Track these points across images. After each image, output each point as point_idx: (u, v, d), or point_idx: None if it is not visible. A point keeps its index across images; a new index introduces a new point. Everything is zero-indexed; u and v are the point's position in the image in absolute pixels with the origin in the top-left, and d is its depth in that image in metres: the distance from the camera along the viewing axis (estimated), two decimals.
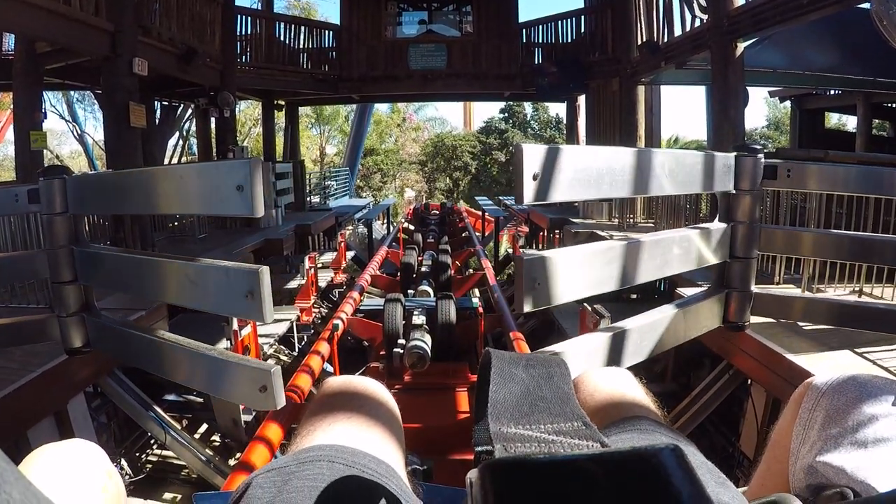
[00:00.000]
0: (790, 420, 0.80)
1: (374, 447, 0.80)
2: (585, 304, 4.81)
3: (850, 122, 17.94)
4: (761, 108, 39.75)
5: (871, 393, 0.73)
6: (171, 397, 5.37)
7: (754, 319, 4.21)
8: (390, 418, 0.90)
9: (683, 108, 62.77)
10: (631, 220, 9.93)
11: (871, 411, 0.70)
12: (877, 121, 15.15)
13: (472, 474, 0.45)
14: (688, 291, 5.24)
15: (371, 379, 0.98)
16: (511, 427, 0.55)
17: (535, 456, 0.45)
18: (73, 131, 25.90)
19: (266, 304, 2.68)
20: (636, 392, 0.97)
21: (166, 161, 19.14)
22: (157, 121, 13.85)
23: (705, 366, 5.46)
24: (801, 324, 4.45)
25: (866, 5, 5.55)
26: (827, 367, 3.53)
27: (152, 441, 5.40)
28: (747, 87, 7.92)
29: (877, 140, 14.57)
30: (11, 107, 10.91)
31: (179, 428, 5.10)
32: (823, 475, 0.70)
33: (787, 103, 16.39)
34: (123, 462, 4.98)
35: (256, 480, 0.70)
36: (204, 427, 5.93)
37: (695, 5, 8.32)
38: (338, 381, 0.98)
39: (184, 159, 23.62)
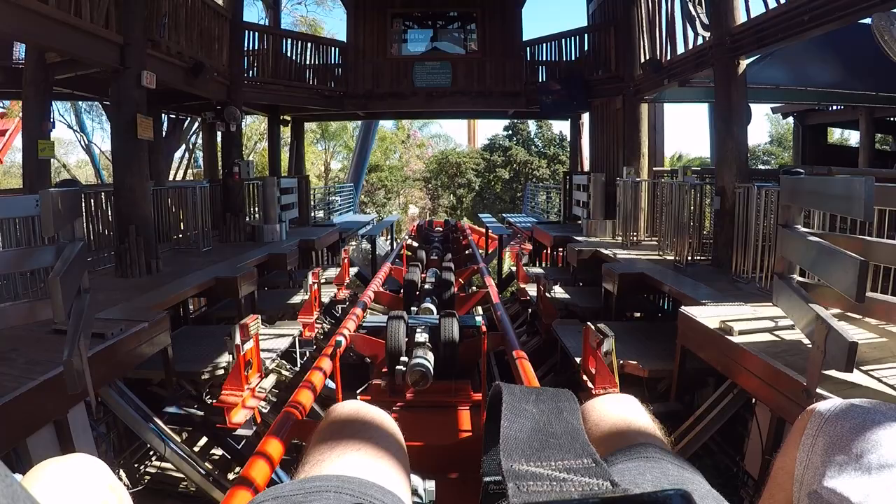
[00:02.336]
0: (794, 447, 0.79)
1: (382, 478, 0.80)
2: (589, 323, 4.80)
3: (853, 137, 18.05)
4: (763, 124, 40.09)
5: (875, 419, 0.73)
6: (171, 410, 5.35)
7: (758, 338, 4.26)
8: (398, 449, 0.90)
9: (686, 124, 62.98)
10: (634, 238, 9.92)
11: (874, 437, 0.70)
12: (879, 135, 15.24)
13: None
14: (692, 309, 5.24)
15: (378, 408, 0.98)
16: (522, 464, 0.55)
17: (550, 501, 0.45)
18: (81, 141, 26.17)
19: (56, 308, 3.47)
20: (642, 418, 0.97)
21: (172, 173, 19.26)
22: (163, 133, 13.96)
23: (709, 385, 5.44)
24: (804, 341, 4.44)
25: (867, 21, 5.59)
26: (831, 385, 3.51)
27: (151, 453, 5.39)
28: (749, 104, 7.94)
29: (880, 154, 14.69)
30: (20, 115, 11.03)
31: (179, 440, 5.09)
32: (828, 501, 0.70)
33: (790, 119, 16.49)
34: (122, 473, 4.97)
35: None
36: (204, 440, 5.91)
37: (697, 23, 8.36)
38: (346, 409, 0.97)
39: (190, 172, 23.76)
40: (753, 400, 4.49)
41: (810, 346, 4.35)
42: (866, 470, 0.68)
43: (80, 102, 22.60)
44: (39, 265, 4.36)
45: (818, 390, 3.40)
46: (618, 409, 0.99)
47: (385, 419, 0.96)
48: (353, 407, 0.98)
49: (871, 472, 0.68)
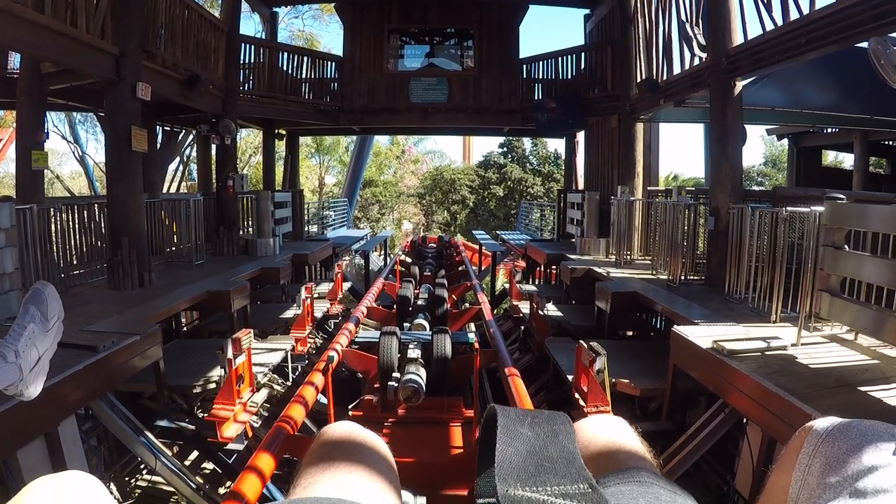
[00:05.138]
0: (789, 465, 0.78)
1: (373, 500, 0.80)
2: (581, 342, 4.79)
3: (848, 160, 18.18)
4: (758, 146, 40.40)
5: (872, 440, 0.71)
6: (162, 423, 5.30)
7: (750, 358, 4.26)
8: (389, 471, 0.91)
9: (682, 144, 63.37)
10: (628, 257, 9.93)
11: (870, 460, 0.69)
12: (874, 158, 15.35)
13: None
14: (684, 329, 5.24)
15: (369, 430, 0.98)
16: (518, 489, 0.55)
17: None
18: (75, 152, 26.12)
19: None
20: (633, 441, 0.96)
21: (166, 185, 19.20)
22: (158, 145, 13.93)
23: (701, 404, 5.43)
24: (799, 359, 4.45)
25: (864, 44, 5.64)
26: (823, 405, 3.51)
27: (142, 466, 5.34)
28: (745, 125, 7.98)
29: (874, 177, 14.78)
30: (14, 125, 11.00)
31: (170, 454, 5.04)
32: None
33: (785, 141, 16.60)
34: (112, 487, 4.92)
35: None
36: (195, 454, 5.86)
37: (694, 44, 8.41)
38: (338, 431, 0.97)
39: (184, 184, 23.72)
40: (745, 419, 4.49)
41: (803, 361, 4.38)
42: (861, 494, 0.67)
43: (74, 113, 22.59)
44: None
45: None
46: (608, 431, 0.98)
47: (376, 441, 0.96)
48: (345, 428, 0.97)
49: (867, 497, 0.66)
